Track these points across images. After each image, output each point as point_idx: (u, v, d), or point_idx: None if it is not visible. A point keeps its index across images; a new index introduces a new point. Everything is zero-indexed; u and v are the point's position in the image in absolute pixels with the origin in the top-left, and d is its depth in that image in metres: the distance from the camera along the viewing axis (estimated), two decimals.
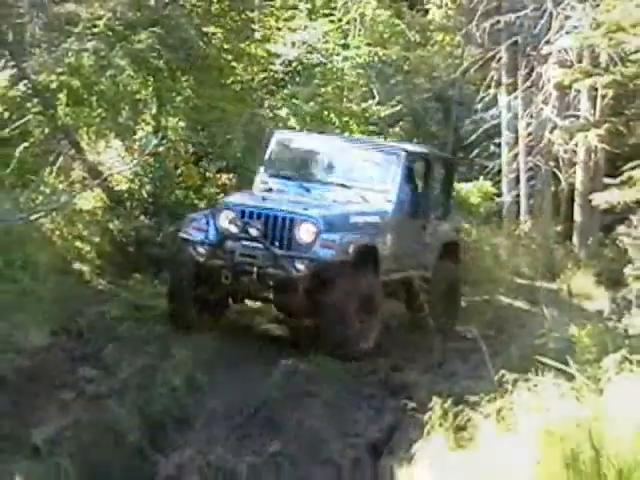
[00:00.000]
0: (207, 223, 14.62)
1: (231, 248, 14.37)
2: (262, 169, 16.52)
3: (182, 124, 18.28)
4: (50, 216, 16.28)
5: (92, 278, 16.28)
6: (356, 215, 15.38)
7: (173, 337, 14.38)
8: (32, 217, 15.56)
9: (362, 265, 14.62)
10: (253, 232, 14.25)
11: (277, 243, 14.34)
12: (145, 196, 17.77)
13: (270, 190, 15.97)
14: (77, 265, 16.45)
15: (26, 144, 17.24)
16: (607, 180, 18.28)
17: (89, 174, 17.66)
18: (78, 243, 16.92)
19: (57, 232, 16.49)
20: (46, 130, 17.64)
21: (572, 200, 20.70)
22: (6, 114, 17.56)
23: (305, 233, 14.21)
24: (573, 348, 11.42)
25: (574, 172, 20.32)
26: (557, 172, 20.79)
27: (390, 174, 15.95)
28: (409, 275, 16.54)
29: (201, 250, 14.52)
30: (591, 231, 20.09)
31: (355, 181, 16.13)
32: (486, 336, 14.64)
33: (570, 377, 9.52)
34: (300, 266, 14.02)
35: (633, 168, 16.05)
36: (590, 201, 19.33)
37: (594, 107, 19.31)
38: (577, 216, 20.51)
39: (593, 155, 19.58)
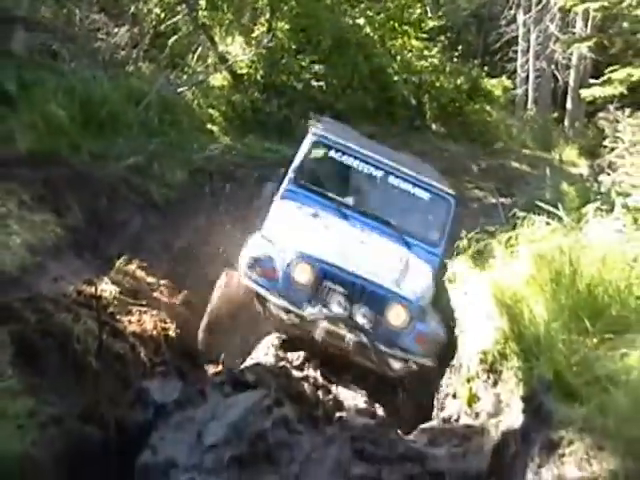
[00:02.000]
0: (274, 268, 8.50)
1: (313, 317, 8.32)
2: (292, 175, 9.84)
3: (287, 27, 18.52)
4: (191, 89, 16.84)
5: (219, 136, 16.68)
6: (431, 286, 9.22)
7: None
8: (179, 90, 16.22)
9: None
10: (337, 310, 8.31)
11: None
12: (258, 78, 18.16)
13: (324, 223, 9.28)
14: (209, 126, 16.89)
15: (176, 37, 17.89)
16: (592, 80, 18.42)
17: (219, 60, 18.13)
18: (210, 110, 17.40)
19: (195, 102, 17.00)
20: (190, 28, 18.09)
21: (565, 94, 20.79)
22: (162, 15, 18.05)
23: (395, 317, 8.45)
24: (563, 199, 11.36)
25: (568, 73, 20.44)
26: (556, 73, 20.86)
27: (439, 223, 9.97)
28: None
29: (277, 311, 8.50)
30: (578, 117, 20.27)
31: (398, 219, 9.85)
32: (500, 188, 15.14)
33: (560, 219, 9.72)
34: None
35: (612, 72, 16.23)
36: (579, 95, 19.56)
37: (586, 26, 19.37)
38: (568, 105, 20.65)
39: (583, 61, 19.70)
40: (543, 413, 5.93)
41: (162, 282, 10.23)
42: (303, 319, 8.38)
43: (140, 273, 9.99)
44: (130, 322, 8.32)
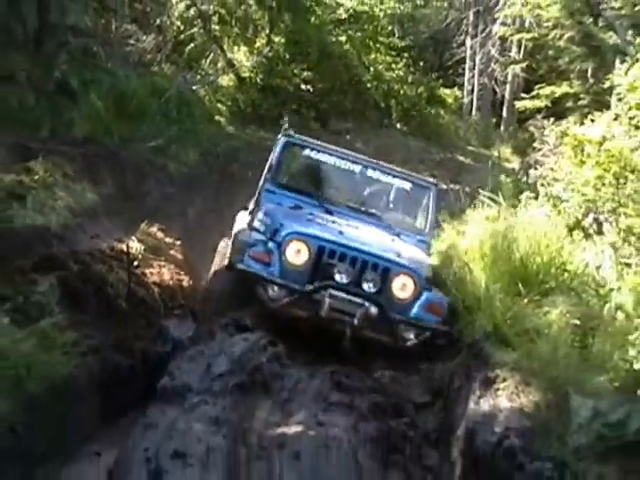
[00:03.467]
0: (268, 252, 6.88)
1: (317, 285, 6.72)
2: (268, 175, 8.20)
3: (282, 40, 18.48)
4: (204, 88, 16.77)
5: (225, 125, 16.69)
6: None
7: None
8: (194, 87, 16.16)
9: None
10: (342, 279, 6.77)
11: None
12: (258, 81, 18.14)
13: (310, 213, 7.71)
14: (217, 117, 16.85)
15: (192, 45, 17.83)
16: (523, 94, 18.61)
17: (227, 65, 18.08)
18: (218, 105, 17.35)
19: (207, 97, 16.94)
20: (204, 38, 18.00)
21: (502, 104, 20.91)
22: (182, 27, 17.97)
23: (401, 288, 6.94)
24: (501, 188, 11.26)
25: (505, 88, 20.56)
26: (495, 87, 20.96)
27: (424, 211, 8.47)
28: None
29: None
30: (511, 123, 20.40)
31: (383, 211, 8.44)
32: (450, 177, 15.16)
33: (499, 204, 9.76)
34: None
35: (540, 88, 16.41)
36: (512, 105, 19.82)
37: (519, 51, 19.51)
38: (504, 113, 20.84)
39: (516, 79, 19.85)
40: (483, 356, 6.01)
41: (177, 242, 10.22)
42: (305, 296, 6.70)
43: (160, 234, 9.98)
44: (152, 274, 8.31)
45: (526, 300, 6.66)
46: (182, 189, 12.51)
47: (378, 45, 19.98)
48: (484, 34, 20.69)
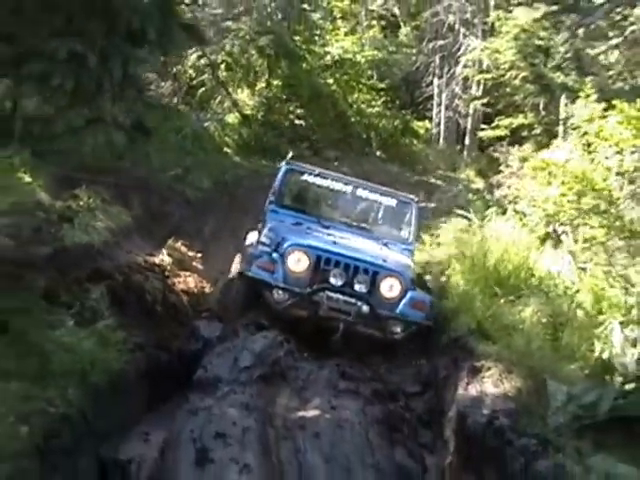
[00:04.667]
0: (272, 262, 6.95)
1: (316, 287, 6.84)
2: (272, 198, 8.27)
3: (279, 83, 18.52)
4: (213, 124, 16.75)
5: (232, 156, 16.61)
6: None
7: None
8: (205, 124, 16.17)
9: None
10: (336, 282, 6.86)
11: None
12: (259, 117, 18.14)
13: (308, 227, 7.81)
14: (225, 149, 16.79)
15: (203, 89, 17.84)
16: (483, 125, 18.78)
17: (232, 104, 18.02)
18: (226, 138, 17.28)
19: (216, 132, 16.86)
20: (213, 83, 17.94)
21: (465, 134, 21.00)
22: (194, 74, 18.03)
23: (389, 289, 6.98)
24: (471, 205, 11.39)
25: (467, 120, 20.66)
26: (459, 120, 21.05)
27: (407, 223, 8.40)
28: None
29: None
30: (473, 149, 20.47)
31: (372, 225, 8.46)
32: (425, 196, 15.14)
33: (469, 219, 9.89)
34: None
35: (499, 120, 16.56)
36: (474, 135, 19.96)
37: (478, 89, 19.65)
38: (467, 141, 20.86)
39: (477, 112, 19.95)
40: (468, 349, 6.05)
41: (198, 255, 10.21)
42: (306, 298, 6.75)
43: (183, 249, 9.98)
44: (179, 282, 8.33)
45: (502, 300, 6.72)
46: (198, 211, 12.49)
47: (360, 86, 20.00)
48: (449, 75, 20.76)
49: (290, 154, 9.23)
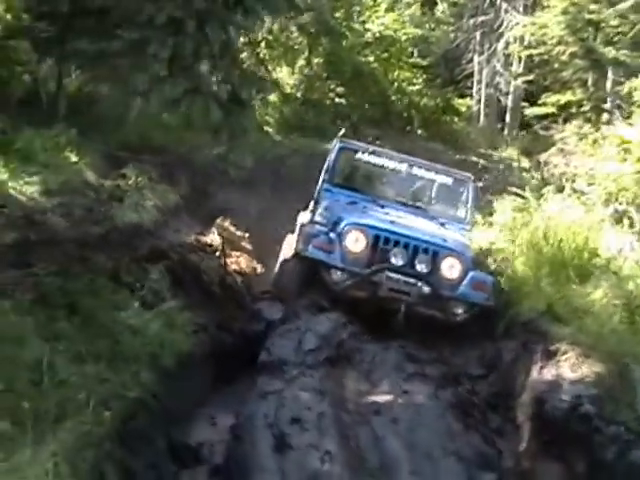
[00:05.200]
0: (330, 241, 6.76)
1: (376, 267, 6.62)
2: (326, 177, 8.02)
3: (320, 61, 18.31)
4: (256, 102, 16.61)
5: (273, 134, 16.53)
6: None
7: None
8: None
9: None
10: (397, 262, 6.64)
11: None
12: (300, 96, 17.98)
13: (364, 206, 7.62)
14: (266, 127, 16.68)
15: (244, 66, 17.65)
16: (524, 103, 18.45)
17: (273, 83, 17.85)
18: (267, 117, 17.18)
19: (257, 111, 16.74)
20: (253, 61, 17.71)
21: (505, 112, 20.63)
22: None
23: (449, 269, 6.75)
24: (527, 183, 11.05)
25: (508, 98, 20.30)
26: (500, 97, 20.69)
27: (463, 202, 8.16)
28: None
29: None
30: (514, 127, 20.12)
31: (427, 204, 8.18)
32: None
33: (525, 198, 9.62)
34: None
35: (546, 97, 16.11)
36: (516, 111, 19.65)
37: (520, 65, 19.29)
38: (507, 119, 20.52)
39: (518, 90, 19.60)
40: (539, 332, 5.86)
41: (245, 235, 10.11)
42: (365, 279, 6.58)
43: (232, 229, 9.88)
44: (232, 262, 8.22)
45: (571, 282, 6.50)
46: (241, 190, 12.33)
47: (401, 64, 19.74)
48: (490, 52, 20.39)
49: (342, 131, 8.94)
